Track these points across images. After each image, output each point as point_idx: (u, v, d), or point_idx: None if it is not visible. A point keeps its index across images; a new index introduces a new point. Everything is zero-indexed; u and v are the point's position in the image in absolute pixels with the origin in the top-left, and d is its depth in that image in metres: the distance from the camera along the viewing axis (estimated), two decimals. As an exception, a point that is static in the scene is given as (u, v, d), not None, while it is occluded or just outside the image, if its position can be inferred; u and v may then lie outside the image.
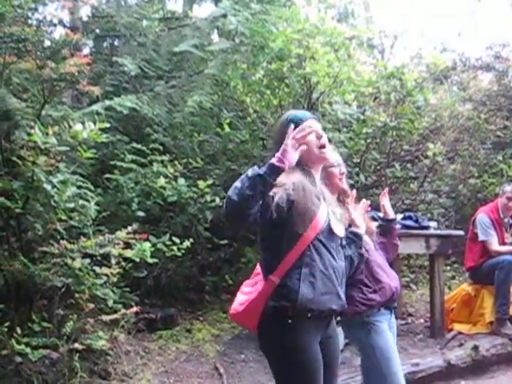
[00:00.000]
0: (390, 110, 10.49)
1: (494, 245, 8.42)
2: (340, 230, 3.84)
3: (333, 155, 4.57)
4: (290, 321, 3.59)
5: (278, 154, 3.48)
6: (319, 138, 3.86)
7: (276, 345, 3.67)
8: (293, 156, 3.51)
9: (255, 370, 7.61)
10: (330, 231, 3.77)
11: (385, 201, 4.99)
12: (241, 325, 4.39)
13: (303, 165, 3.81)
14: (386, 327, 4.56)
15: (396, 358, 4.54)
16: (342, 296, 3.81)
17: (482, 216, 8.60)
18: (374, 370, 4.52)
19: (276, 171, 3.44)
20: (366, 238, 4.54)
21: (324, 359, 3.72)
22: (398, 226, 5.32)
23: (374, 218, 5.23)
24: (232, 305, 4.00)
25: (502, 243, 8.50)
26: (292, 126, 3.57)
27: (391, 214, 5.01)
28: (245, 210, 3.42)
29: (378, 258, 4.64)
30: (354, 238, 4.12)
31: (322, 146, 3.85)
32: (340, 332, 4.63)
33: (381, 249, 4.90)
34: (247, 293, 3.85)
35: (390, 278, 4.61)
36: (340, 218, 3.88)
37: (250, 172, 3.43)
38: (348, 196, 4.60)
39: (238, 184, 3.42)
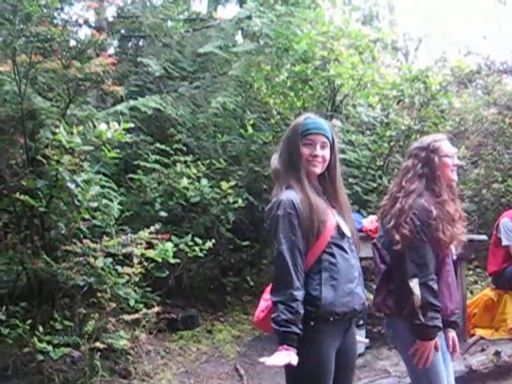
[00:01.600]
0: (413, 113, 10.45)
1: (518, 249, 8.38)
2: (347, 230, 3.84)
3: (448, 146, 4.63)
4: (312, 323, 3.61)
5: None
6: (313, 156, 3.83)
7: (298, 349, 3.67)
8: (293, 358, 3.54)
9: (275, 371, 7.58)
10: (340, 233, 3.78)
11: None
12: (264, 330, 4.41)
13: (298, 173, 3.83)
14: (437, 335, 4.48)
15: (442, 365, 4.46)
16: (362, 295, 3.82)
17: (506, 220, 8.54)
18: (423, 378, 4.46)
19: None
20: (452, 247, 4.52)
21: (338, 367, 3.74)
22: None
23: None
24: (255, 311, 4.02)
25: (526, 248, 8.46)
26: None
27: None
28: None
29: (450, 276, 4.49)
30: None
31: (310, 161, 3.84)
32: (361, 334, 4.59)
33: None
34: (268, 299, 3.86)
35: (451, 300, 4.48)
36: (343, 219, 3.88)
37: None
38: (454, 190, 4.63)
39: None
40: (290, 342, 3.51)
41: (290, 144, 3.87)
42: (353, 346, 3.90)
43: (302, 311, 3.55)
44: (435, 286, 4.23)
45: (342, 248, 3.75)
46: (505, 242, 8.43)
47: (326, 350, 3.67)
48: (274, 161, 3.96)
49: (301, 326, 3.54)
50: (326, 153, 3.88)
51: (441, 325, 4.27)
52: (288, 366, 3.58)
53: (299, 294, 3.56)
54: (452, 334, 4.68)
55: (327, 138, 3.89)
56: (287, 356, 3.48)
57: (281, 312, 3.52)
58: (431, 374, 4.34)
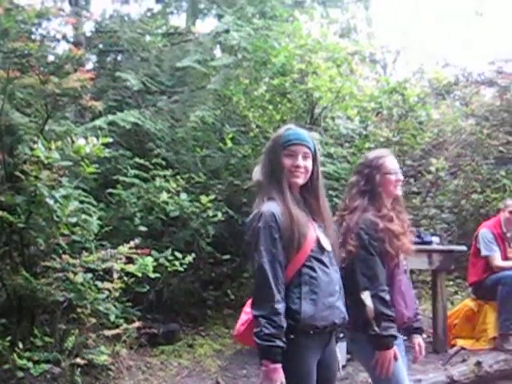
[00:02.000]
0: (392, 125, 10.51)
1: (497, 260, 8.40)
2: (327, 244, 3.83)
3: (391, 162, 4.64)
4: (292, 336, 3.59)
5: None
6: (295, 167, 3.81)
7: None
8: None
9: (257, 385, 7.60)
10: (320, 247, 3.77)
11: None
12: (244, 344, 4.40)
13: (280, 185, 3.80)
14: (396, 342, 4.50)
15: (405, 374, 4.48)
16: (343, 308, 3.81)
17: (485, 231, 8.59)
18: None
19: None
20: (401, 258, 4.55)
21: (318, 380, 3.72)
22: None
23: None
24: (236, 324, 4.00)
25: (505, 258, 8.48)
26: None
27: None
28: None
29: (403, 284, 4.55)
30: None
31: (292, 172, 3.82)
32: (342, 347, 4.61)
33: None
34: (248, 313, 3.85)
35: (407, 307, 4.53)
36: (322, 231, 3.87)
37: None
38: (400, 203, 4.66)
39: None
40: (274, 356, 3.50)
41: (271, 155, 3.86)
42: (333, 359, 3.89)
43: (284, 325, 3.53)
44: (387, 297, 4.29)
45: (321, 262, 3.73)
46: (484, 253, 8.47)
47: (307, 362, 3.66)
48: (256, 173, 3.93)
49: (284, 340, 3.52)
50: (309, 163, 3.87)
51: (396, 333, 4.32)
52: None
53: (281, 307, 3.54)
54: (418, 339, 4.75)
55: (309, 148, 3.89)
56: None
57: (263, 326, 3.50)
58: (394, 383, 4.37)
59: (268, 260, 3.57)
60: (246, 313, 3.90)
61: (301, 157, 3.84)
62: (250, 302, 3.88)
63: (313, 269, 3.69)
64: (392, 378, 4.31)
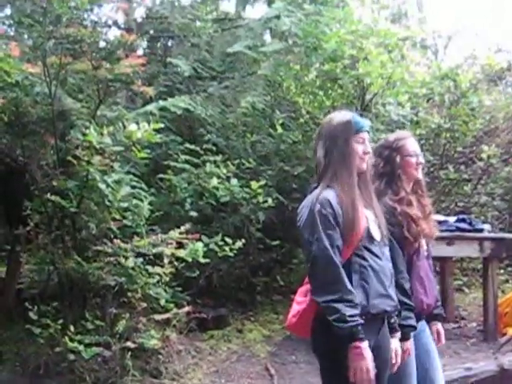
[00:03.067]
0: (443, 111, 10.40)
1: (549, 248, 8.33)
2: (376, 233, 3.82)
3: (412, 144, 4.59)
4: None
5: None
6: (365, 153, 3.85)
7: (328, 348, 3.65)
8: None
9: (306, 371, 7.59)
10: (369, 236, 3.76)
11: None
12: (297, 334, 4.39)
13: (350, 169, 3.80)
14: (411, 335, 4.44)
15: (412, 370, 4.42)
16: (394, 297, 3.80)
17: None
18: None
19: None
20: (423, 242, 4.50)
21: (375, 364, 3.66)
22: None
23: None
24: (288, 314, 4.00)
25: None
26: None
27: None
28: None
29: (422, 270, 4.47)
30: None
31: (362, 159, 3.83)
32: None
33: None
34: (300, 302, 3.84)
35: (427, 294, 4.44)
36: (374, 220, 3.85)
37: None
38: (422, 188, 4.59)
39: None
40: (361, 335, 3.49)
41: (342, 141, 3.81)
42: (387, 343, 3.87)
43: (359, 303, 3.55)
44: (407, 285, 4.23)
45: (371, 251, 3.73)
46: (536, 241, 8.39)
47: None
48: (320, 158, 3.87)
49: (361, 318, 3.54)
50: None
51: (415, 324, 4.26)
52: (326, 369, 3.67)
53: (351, 287, 3.56)
54: (437, 326, 4.69)
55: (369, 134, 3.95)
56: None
57: (342, 309, 3.47)
58: (404, 376, 4.31)
59: (329, 244, 3.56)
60: (298, 302, 3.89)
61: (367, 142, 3.88)
62: (301, 290, 3.88)
63: (363, 258, 3.69)
64: (400, 370, 4.25)
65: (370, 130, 3.97)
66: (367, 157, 3.86)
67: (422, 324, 4.54)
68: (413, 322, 4.19)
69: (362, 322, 3.49)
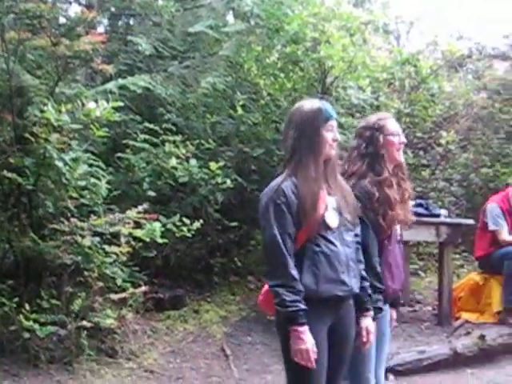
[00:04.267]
0: (404, 96, 10.46)
1: (504, 234, 8.41)
2: (333, 221, 3.84)
3: (393, 124, 4.58)
4: None
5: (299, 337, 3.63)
6: (334, 141, 3.90)
7: (284, 329, 3.73)
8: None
9: (261, 352, 7.64)
10: (325, 224, 3.79)
11: None
12: (265, 311, 4.48)
13: (317, 157, 3.84)
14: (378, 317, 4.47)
15: (373, 352, 4.45)
16: (348, 281, 3.81)
17: (493, 205, 8.58)
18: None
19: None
20: (397, 227, 4.51)
21: (331, 345, 3.79)
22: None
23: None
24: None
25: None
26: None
27: None
28: None
29: (391, 256, 4.47)
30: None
31: (331, 146, 3.88)
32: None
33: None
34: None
35: (393, 279, 4.44)
36: (336, 206, 3.88)
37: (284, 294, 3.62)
38: (403, 171, 4.58)
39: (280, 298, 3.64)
40: (300, 319, 3.59)
41: (310, 129, 3.86)
42: (346, 326, 3.92)
43: (302, 289, 3.62)
44: (378, 269, 4.26)
45: (326, 238, 3.77)
46: (491, 227, 8.47)
47: (314, 329, 3.68)
48: (288, 146, 3.93)
49: (304, 304, 3.60)
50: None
51: (383, 307, 4.32)
52: (284, 351, 3.74)
53: (296, 274, 3.63)
54: (392, 312, 4.73)
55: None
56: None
57: (283, 295, 3.59)
58: (364, 356, 4.36)
59: (279, 232, 3.65)
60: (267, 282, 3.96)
61: (336, 130, 3.93)
62: None
63: (317, 244, 3.75)
64: (363, 351, 4.28)
65: (336, 117, 4.01)
66: (335, 144, 3.90)
67: (386, 309, 4.58)
68: (381, 304, 4.22)
69: (305, 307, 3.59)
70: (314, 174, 3.79)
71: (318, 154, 3.83)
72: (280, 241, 3.64)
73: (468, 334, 7.94)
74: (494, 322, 8.30)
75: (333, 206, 3.85)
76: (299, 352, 3.61)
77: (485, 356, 7.50)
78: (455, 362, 7.31)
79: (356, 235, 4.00)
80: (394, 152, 4.48)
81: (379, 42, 11.84)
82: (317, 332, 3.70)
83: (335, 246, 3.79)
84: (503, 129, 12.28)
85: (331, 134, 3.87)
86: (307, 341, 3.60)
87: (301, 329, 3.59)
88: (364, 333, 4.02)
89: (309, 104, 3.99)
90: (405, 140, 4.58)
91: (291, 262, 3.64)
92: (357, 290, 3.90)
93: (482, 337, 7.55)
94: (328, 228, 3.79)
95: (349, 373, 4.35)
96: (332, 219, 3.83)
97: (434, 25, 19.19)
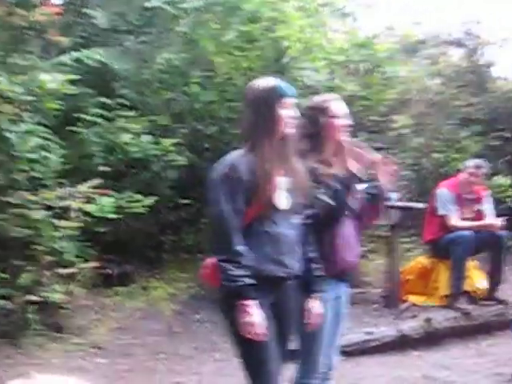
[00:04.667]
0: (359, 79, 10.48)
1: (453, 220, 8.48)
2: (283, 203, 3.82)
3: (339, 106, 4.56)
4: None
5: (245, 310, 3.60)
6: (293, 119, 3.86)
7: (225, 305, 3.76)
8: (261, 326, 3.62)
9: (210, 329, 7.65)
10: (273, 205, 3.75)
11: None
12: (208, 284, 4.45)
13: (271, 136, 3.80)
14: (328, 298, 4.48)
15: (325, 333, 4.47)
16: (291, 263, 3.81)
17: (443, 190, 8.65)
18: (301, 335, 4.50)
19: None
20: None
21: (275, 320, 3.77)
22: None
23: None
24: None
25: (461, 218, 8.57)
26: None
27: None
28: None
29: (346, 228, 4.51)
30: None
31: (289, 125, 3.82)
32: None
33: (364, 213, 4.78)
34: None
35: (349, 252, 4.52)
36: (287, 188, 3.86)
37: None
38: (345, 150, 4.58)
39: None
40: (247, 293, 3.57)
41: (264, 107, 3.81)
42: (288, 304, 3.91)
43: (249, 264, 3.60)
44: (312, 254, 4.19)
45: (272, 219, 3.75)
46: (441, 212, 8.54)
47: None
48: (244, 123, 3.90)
49: (251, 279, 3.59)
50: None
51: (321, 289, 4.32)
52: (232, 327, 3.71)
53: (242, 249, 3.61)
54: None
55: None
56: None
57: (228, 269, 3.57)
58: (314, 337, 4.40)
59: (226, 207, 3.63)
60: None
61: (293, 108, 3.88)
62: None
63: (262, 224, 3.73)
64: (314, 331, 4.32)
65: (294, 95, 3.94)
66: (293, 122, 3.86)
67: (343, 287, 4.60)
68: (317, 287, 4.22)
69: (252, 282, 3.58)
70: (267, 153, 3.75)
71: (273, 132, 3.79)
72: (226, 216, 3.62)
73: (415, 316, 8.04)
74: (440, 306, 8.38)
75: (284, 188, 3.83)
76: (248, 325, 3.59)
77: (431, 339, 7.59)
78: (402, 343, 7.39)
79: (307, 218, 4.00)
80: (336, 133, 4.48)
81: (336, 25, 11.87)
82: (260, 308, 3.68)
83: (281, 227, 3.77)
84: (455, 115, 12.39)
85: (287, 112, 3.83)
86: (255, 314, 3.58)
87: (248, 302, 3.57)
88: (307, 314, 4.03)
89: (263, 82, 3.96)
90: (349, 122, 4.58)
91: (238, 238, 3.63)
92: (298, 273, 3.88)
93: (429, 320, 7.64)
94: (276, 209, 3.77)
95: (299, 353, 4.39)
96: (281, 201, 3.81)
97: (391, 9, 19.27)
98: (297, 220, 3.91)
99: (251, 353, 3.74)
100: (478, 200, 8.73)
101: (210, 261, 3.87)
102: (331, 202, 4.21)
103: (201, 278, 4.16)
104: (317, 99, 4.68)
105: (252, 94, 3.93)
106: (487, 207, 8.77)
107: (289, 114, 3.84)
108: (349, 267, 4.52)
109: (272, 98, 3.83)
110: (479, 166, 8.66)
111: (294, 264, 3.84)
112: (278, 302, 3.82)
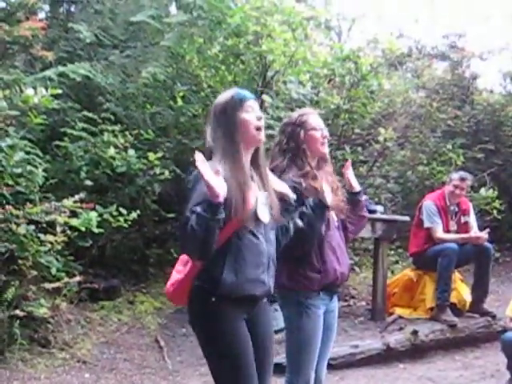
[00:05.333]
0: (343, 92, 10.52)
1: (439, 232, 8.52)
2: (265, 216, 3.77)
3: (316, 119, 4.59)
4: (213, 299, 3.60)
5: (208, 194, 3.37)
6: (259, 119, 3.78)
7: (201, 320, 3.71)
8: (220, 185, 3.38)
9: (195, 344, 7.53)
10: (256, 218, 3.71)
11: (349, 173, 4.80)
12: (175, 303, 4.42)
13: (237, 145, 3.74)
14: (321, 313, 4.50)
15: (316, 346, 4.43)
16: (267, 281, 3.78)
17: (429, 203, 8.69)
18: (291, 352, 4.51)
19: (216, 208, 3.37)
20: (332, 214, 4.52)
21: (254, 337, 3.75)
22: (364, 198, 5.24)
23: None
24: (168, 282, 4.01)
25: (447, 230, 8.60)
26: (198, 155, 3.43)
27: (357, 187, 4.82)
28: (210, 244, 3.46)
29: (334, 240, 4.51)
30: (291, 207, 4.05)
31: (258, 128, 3.76)
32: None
33: (348, 222, 4.79)
34: (179, 271, 3.86)
35: (339, 263, 4.48)
36: (266, 202, 3.81)
37: (196, 218, 3.37)
38: (326, 162, 4.60)
39: (192, 231, 3.36)
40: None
41: (224, 116, 3.76)
42: (262, 321, 3.89)
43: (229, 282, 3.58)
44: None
45: (253, 233, 3.69)
46: (426, 224, 8.59)
47: (232, 320, 3.66)
48: (209, 138, 3.82)
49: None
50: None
51: (332, 301, 4.52)
52: (206, 344, 3.72)
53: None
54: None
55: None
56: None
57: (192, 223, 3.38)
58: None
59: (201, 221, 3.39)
60: (177, 271, 3.90)
61: (257, 109, 3.83)
62: (181, 259, 3.88)
63: (242, 239, 3.65)
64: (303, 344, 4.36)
65: (254, 98, 3.91)
66: (262, 122, 3.79)
67: (334, 301, 4.63)
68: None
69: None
70: (238, 165, 3.67)
71: (237, 141, 3.72)
72: (195, 229, 3.37)
73: (401, 329, 8.05)
74: (426, 318, 8.41)
75: (262, 201, 3.79)
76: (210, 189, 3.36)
77: (417, 351, 7.62)
78: (388, 356, 7.40)
79: (278, 232, 3.97)
80: (317, 146, 4.52)
81: (321, 38, 11.92)
82: (237, 327, 3.67)
83: (261, 242, 3.73)
84: (440, 127, 12.47)
85: (253, 114, 3.77)
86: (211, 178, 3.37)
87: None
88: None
89: (223, 95, 3.93)
90: (327, 134, 4.60)
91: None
92: (272, 290, 3.86)
93: (415, 332, 7.66)
94: (258, 223, 3.72)
95: (288, 366, 4.41)
96: (264, 214, 3.77)
97: (375, 23, 19.38)
98: (272, 235, 3.87)
99: (228, 362, 3.67)
100: (464, 212, 8.77)
101: (177, 277, 3.87)
102: (302, 226, 4.22)
103: (166, 295, 4.11)
104: (293, 115, 4.74)
105: (214, 108, 3.89)
106: (472, 219, 8.82)
107: (255, 115, 3.78)
108: (340, 278, 4.54)
109: (231, 105, 3.78)
110: (464, 178, 8.70)
111: (270, 281, 3.81)
112: (252, 317, 3.79)
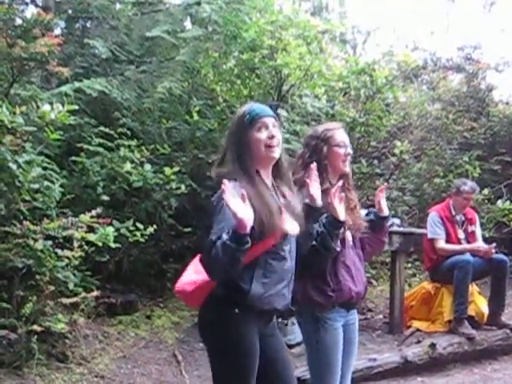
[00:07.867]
0: (359, 105, 10.52)
1: (440, 243, 8.47)
2: (293, 228, 3.78)
3: (341, 135, 4.57)
4: (236, 310, 3.63)
5: (235, 224, 3.35)
6: (270, 137, 3.74)
7: (216, 327, 3.71)
8: (247, 215, 3.35)
9: (213, 359, 7.60)
10: (285, 237, 3.74)
11: (381, 197, 4.74)
12: (186, 302, 4.36)
13: (253, 167, 3.75)
14: (339, 326, 4.48)
15: (338, 359, 4.41)
16: (288, 296, 3.81)
17: (433, 214, 8.68)
18: (313, 367, 4.50)
19: (242, 239, 3.35)
20: (348, 232, 4.51)
21: (266, 357, 3.76)
22: (390, 222, 5.20)
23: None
24: (181, 278, 3.97)
25: (456, 239, 8.56)
26: (225, 184, 3.39)
27: (386, 212, 4.76)
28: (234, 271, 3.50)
29: (348, 259, 4.48)
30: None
31: (270, 146, 3.73)
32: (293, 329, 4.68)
33: (366, 243, 4.76)
34: (199, 272, 3.81)
35: (354, 282, 4.45)
36: (293, 212, 3.82)
37: (222, 246, 3.35)
38: (349, 181, 4.57)
39: (217, 257, 3.38)
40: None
41: (235, 136, 3.77)
42: (273, 336, 3.94)
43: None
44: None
45: (283, 250, 3.74)
46: (429, 236, 8.58)
47: (249, 334, 3.69)
48: (225, 155, 3.83)
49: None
50: (280, 135, 3.81)
51: (352, 314, 4.58)
52: (215, 351, 3.76)
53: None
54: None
55: (275, 119, 3.84)
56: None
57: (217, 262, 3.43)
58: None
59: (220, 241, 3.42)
60: (197, 272, 3.88)
61: (272, 127, 3.76)
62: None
63: (272, 256, 3.69)
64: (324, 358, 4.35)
65: (271, 114, 3.84)
66: (275, 141, 3.75)
67: (353, 313, 4.62)
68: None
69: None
70: (257, 188, 3.66)
71: (248, 160, 3.72)
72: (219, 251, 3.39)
73: (419, 342, 8.01)
74: (444, 331, 8.36)
75: (290, 213, 3.80)
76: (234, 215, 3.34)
77: (435, 364, 7.58)
78: (406, 370, 7.36)
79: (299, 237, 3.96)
80: (339, 163, 4.48)
81: (336, 51, 11.94)
82: (252, 339, 3.69)
83: (286, 256, 3.76)
84: (456, 140, 12.42)
85: (264, 133, 3.74)
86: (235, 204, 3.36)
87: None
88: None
89: (239, 110, 3.91)
90: (351, 151, 4.56)
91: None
92: (289, 305, 3.88)
93: (433, 345, 7.62)
94: (286, 240, 3.75)
95: (311, 381, 4.41)
96: (292, 228, 3.78)
97: (389, 35, 19.42)
98: (294, 248, 3.88)
99: (234, 372, 3.69)
100: (471, 221, 8.75)
101: (196, 278, 3.86)
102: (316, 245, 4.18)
103: (178, 293, 4.10)
104: (319, 128, 4.67)
105: (230, 124, 3.93)
106: (478, 230, 8.81)
107: (267, 134, 3.74)
108: (356, 297, 4.52)
109: (240, 125, 3.77)
110: (475, 190, 8.71)
111: (290, 296, 3.85)
112: (267, 333, 3.84)
